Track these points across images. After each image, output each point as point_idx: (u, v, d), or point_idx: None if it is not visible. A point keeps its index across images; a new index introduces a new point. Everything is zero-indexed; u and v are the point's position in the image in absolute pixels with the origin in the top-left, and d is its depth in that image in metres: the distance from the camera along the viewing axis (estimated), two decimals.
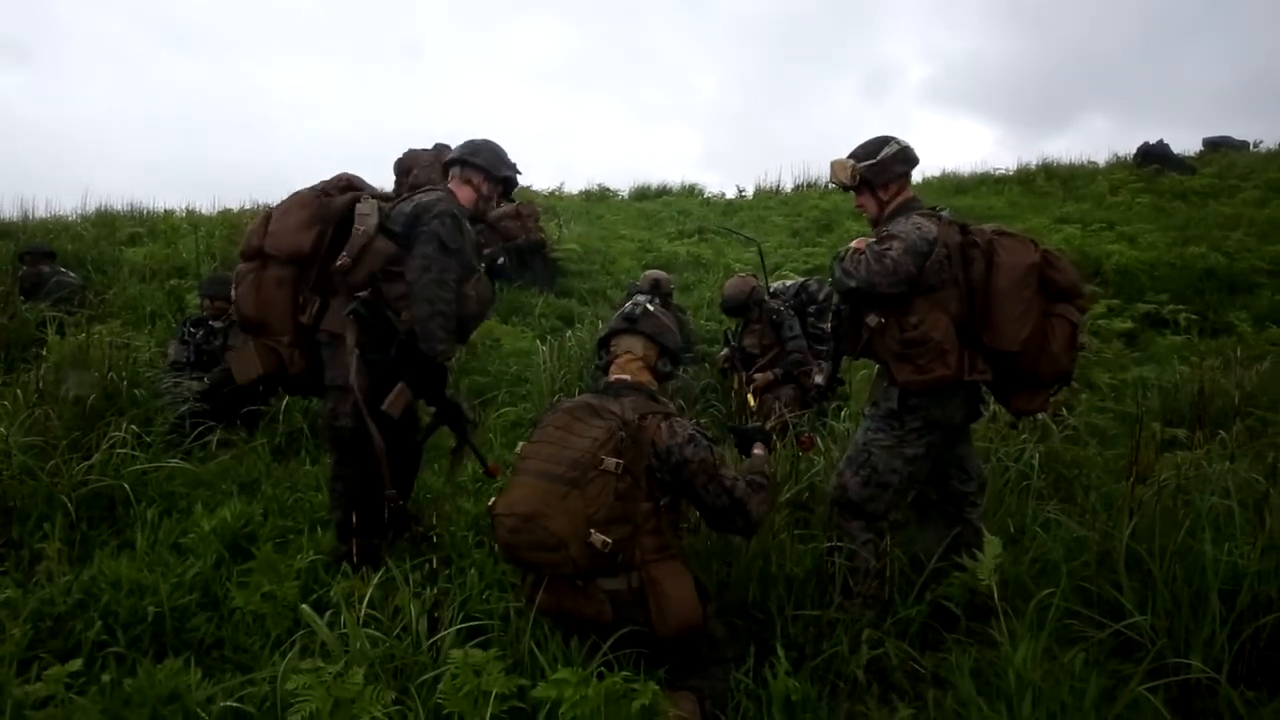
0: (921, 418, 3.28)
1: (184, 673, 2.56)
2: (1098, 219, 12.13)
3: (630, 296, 7.50)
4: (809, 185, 17.56)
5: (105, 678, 2.51)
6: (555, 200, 15.68)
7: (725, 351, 6.40)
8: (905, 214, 3.35)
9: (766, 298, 6.27)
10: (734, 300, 6.33)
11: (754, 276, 6.54)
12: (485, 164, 3.77)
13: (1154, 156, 15.63)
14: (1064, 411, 5.36)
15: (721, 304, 6.55)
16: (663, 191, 17.79)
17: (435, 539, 3.66)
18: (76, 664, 2.43)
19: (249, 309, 3.53)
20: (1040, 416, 4.96)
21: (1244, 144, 17.30)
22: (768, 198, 17.08)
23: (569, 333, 6.83)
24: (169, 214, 11.13)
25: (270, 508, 3.90)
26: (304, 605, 2.75)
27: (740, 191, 17.98)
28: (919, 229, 3.23)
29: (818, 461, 4.10)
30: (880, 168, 3.37)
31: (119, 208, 11.58)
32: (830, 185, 3.74)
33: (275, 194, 11.79)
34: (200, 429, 4.79)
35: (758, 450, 3.23)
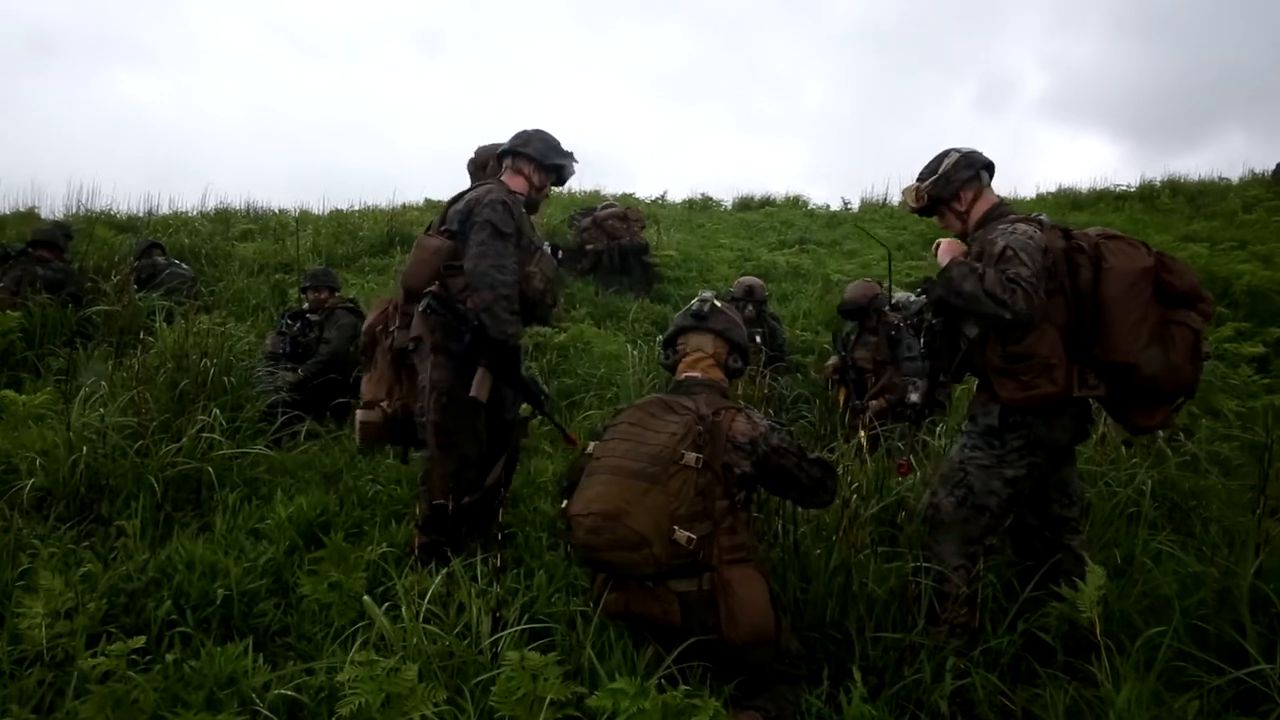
0: (1024, 436, 3.04)
1: (244, 658, 2.55)
2: (1228, 237, 11.39)
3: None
4: None
5: (169, 657, 2.51)
6: (658, 208, 15.66)
7: (834, 361, 6.12)
8: (996, 220, 3.12)
9: (887, 309, 5.97)
10: (854, 303, 6.07)
11: (879, 283, 6.28)
12: (536, 153, 3.80)
13: None
14: (1181, 437, 4.97)
15: (840, 305, 6.29)
16: (766, 202, 17.62)
17: (503, 535, 3.59)
18: (139, 641, 2.43)
19: None
20: (1159, 438, 4.63)
21: None
22: (873, 210, 16.72)
23: (659, 337, 6.71)
24: (282, 213, 11.52)
25: (348, 498, 3.91)
26: (367, 598, 2.71)
27: (846, 203, 17.63)
28: (1030, 237, 2.98)
29: (909, 479, 3.88)
30: (944, 181, 3.21)
31: (236, 206, 12.08)
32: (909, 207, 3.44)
33: (386, 196, 12.13)
34: (287, 418, 4.86)
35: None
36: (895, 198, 17.31)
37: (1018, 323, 2.88)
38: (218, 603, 2.95)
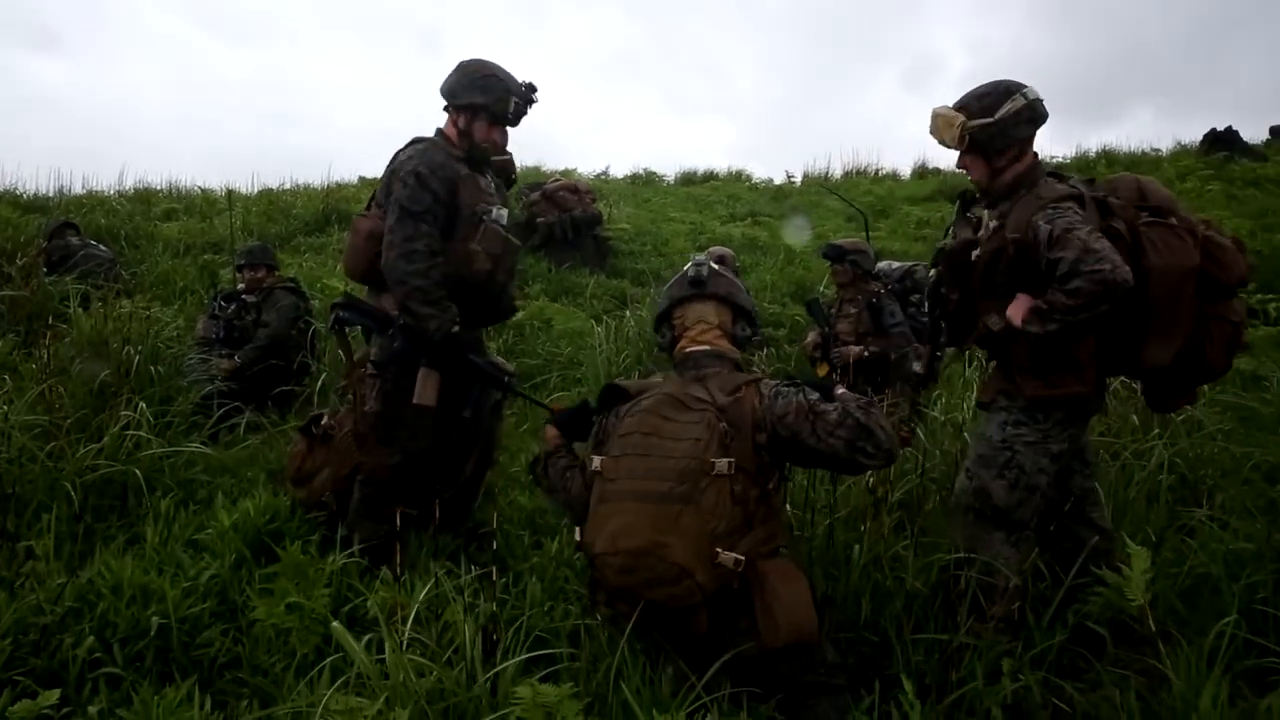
0: (1065, 407, 2.75)
1: (187, 705, 2.09)
2: None
3: None
4: (859, 172, 17.22)
5: (94, 708, 2.05)
6: (602, 183, 15.22)
7: (814, 335, 5.68)
8: (1029, 187, 2.73)
9: (869, 278, 5.58)
10: (837, 249, 5.59)
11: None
12: (446, 93, 3.27)
13: (1222, 142, 14.80)
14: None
15: (822, 250, 5.84)
16: (710, 176, 17.35)
17: (481, 535, 3.18)
18: (53, 696, 1.96)
19: None
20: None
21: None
22: (818, 183, 16.58)
23: (626, 313, 6.31)
24: (207, 192, 10.78)
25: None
26: (336, 623, 2.26)
27: (789, 177, 17.47)
28: (1092, 231, 2.56)
29: (912, 456, 3.55)
30: (998, 131, 2.70)
31: (158, 185, 11.28)
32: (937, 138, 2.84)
33: (316, 175, 11.42)
34: (225, 410, 4.34)
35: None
36: (837, 172, 17.32)
37: (1117, 296, 2.49)
38: (152, 633, 2.45)
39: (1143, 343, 2.66)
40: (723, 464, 2.22)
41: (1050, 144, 20.37)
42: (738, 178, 17.23)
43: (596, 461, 2.40)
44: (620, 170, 16.90)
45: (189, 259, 7.70)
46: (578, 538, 2.42)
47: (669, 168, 17.13)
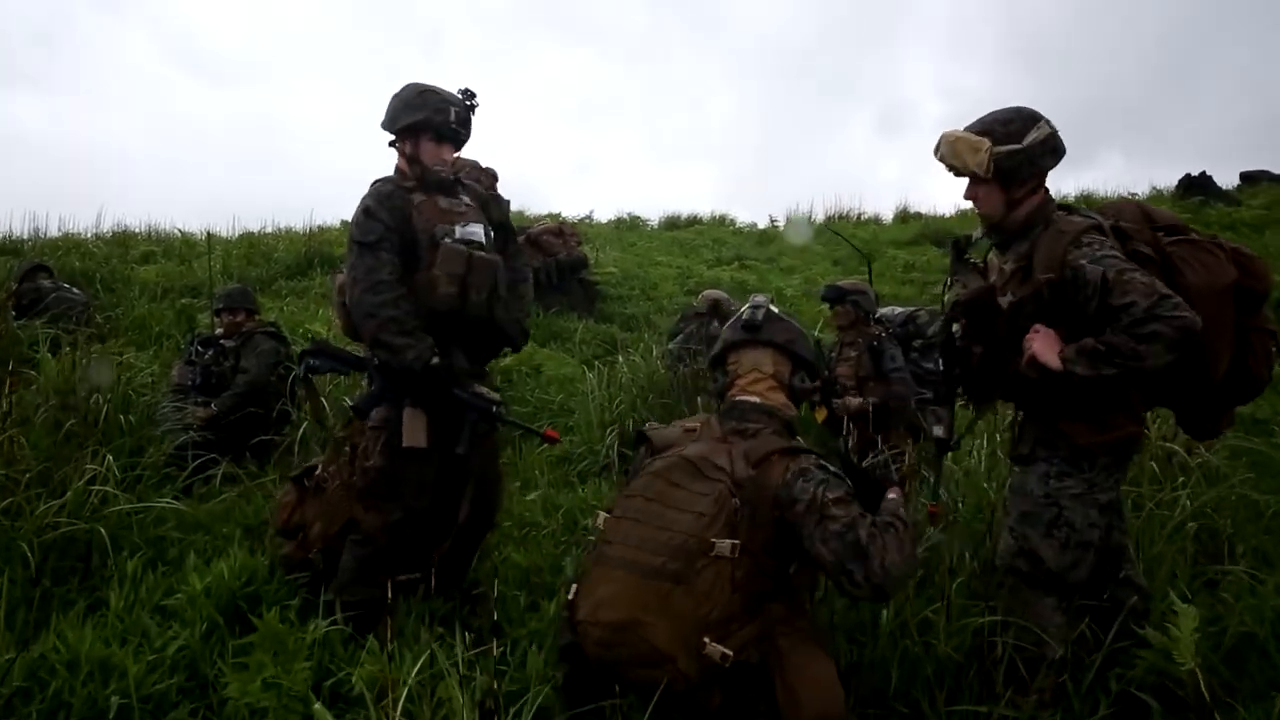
0: (1111, 451, 2.54)
1: None
2: None
3: (684, 320, 6.84)
4: (841, 217, 17.32)
5: None
6: (586, 227, 15.15)
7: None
8: (1044, 223, 2.55)
9: (871, 322, 5.43)
10: (838, 290, 5.41)
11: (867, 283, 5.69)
12: (387, 124, 3.09)
13: (1197, 187, 15.01)
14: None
15: (823, 292, 5.65)
16: (693, 221, 17.37)
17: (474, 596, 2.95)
18: None
19: None
20: (1178, 452, 4.22)
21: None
22: (823, 226, 16.62)
23: (619, 359, 6.12)
24: (186, 235, 10.56)
25: (279, 559, 3.17)
26: (318, 705, 2.02)
27: (773, 221, 17.51)
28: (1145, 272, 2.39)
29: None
30: (1025, 159, 2.50)
31: (136, 228, 11.05)
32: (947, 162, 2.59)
33: (298, 218, 11.20)
34: (200, 461, 4.09)
35: (891, 495, 2.34)
36: (820, 216, 17.36)
37: (1188, 348, 2.30)
38: (111, 716, 2.20)
39: (1208, 365, 2.46)
40: (724, 545, 2.00)
41: None
42: (721, 222, 17.26)
43: (600, 518, 2.20)
44: (604, 215, 16.87)
45: (166, 303, 7.48)
46: (569, 596, 2.20)
47: (652, 212, 17.18)
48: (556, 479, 4.69)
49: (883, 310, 5.65)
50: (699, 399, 5.31)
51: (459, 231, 3.02)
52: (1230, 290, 2.46)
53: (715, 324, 6.28)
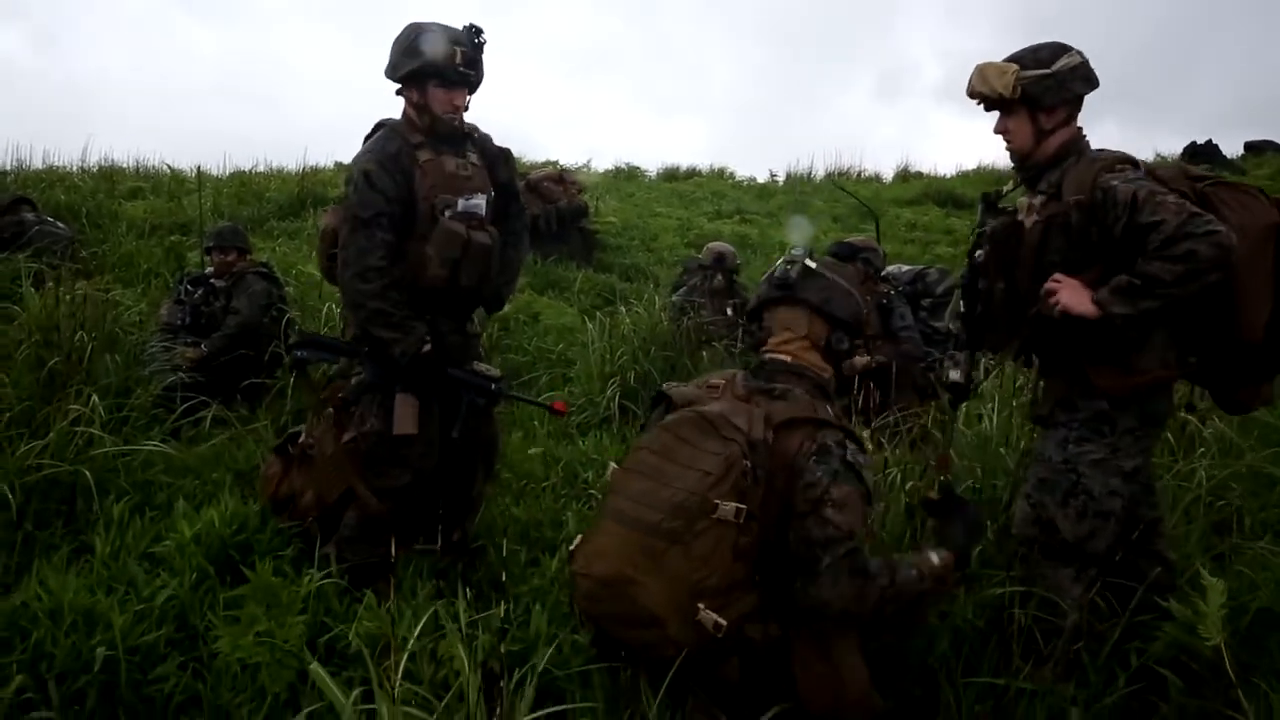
0: (1136, 415, 2.43)
1: None
2: None
3: (687, 273, 6.70)
4: (841, 174, 17.09)
5: None
6: (583, 176, 14.90)
7: None
8: (1076, 155, 2.48)
9: (878, 280, 5.31)
10: (849, 247, 5.27)
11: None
12: (390, 71, 2.87)
13: (1203, 155, 14.78)
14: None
15: (831, 248, 5.51)
16: (692, 173, 17.10)
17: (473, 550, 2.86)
18: None
19: None
20: (1190, 421, 4.12)
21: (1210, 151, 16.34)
22: (802, 183, 16.41)
23: (621, 309, 5.97)
24: (176, 172, 10.29)
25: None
26: (314, 664, 1.91)
27: (773, 175, 17.27)
28: (1141, 182, 2.32)
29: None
30: (1054, 83, 2.43)
31: (123, 163, 10.77)
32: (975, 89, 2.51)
33: (291, 158, 10.95)
34: (189, 404, 3.96)
35: (933, 557, 2.12)
36: (820, 173, 17.14)
37: (1228, 263, 2.20)
38: (96, 668, 2.09)
39: (1236, 317, 2.34)
40: (728, 509, 1.86)
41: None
42: (720, 175, 17.00)
43: (611, 469, 2.08)
44: (601, 164, 16.59)
45: (154, 240, 7.25)
46: (572, 547, 2.09)
47: (650, 163, 16.87)
48: (556, 430, 4.58)
49: (889, 268, 5.52)
50: (703, 353, 5.20)
51: (461, 204, 2.84)
52: (1272, 233, 2.34)
53: (719, 278, 6.15)
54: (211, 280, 5.01)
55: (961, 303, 2.79)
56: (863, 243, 5.39)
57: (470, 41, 2.80)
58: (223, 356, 4.62)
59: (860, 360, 5.04)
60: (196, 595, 2.47)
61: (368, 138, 2.95)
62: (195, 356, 4.58)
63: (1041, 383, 2.72)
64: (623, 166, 16.77)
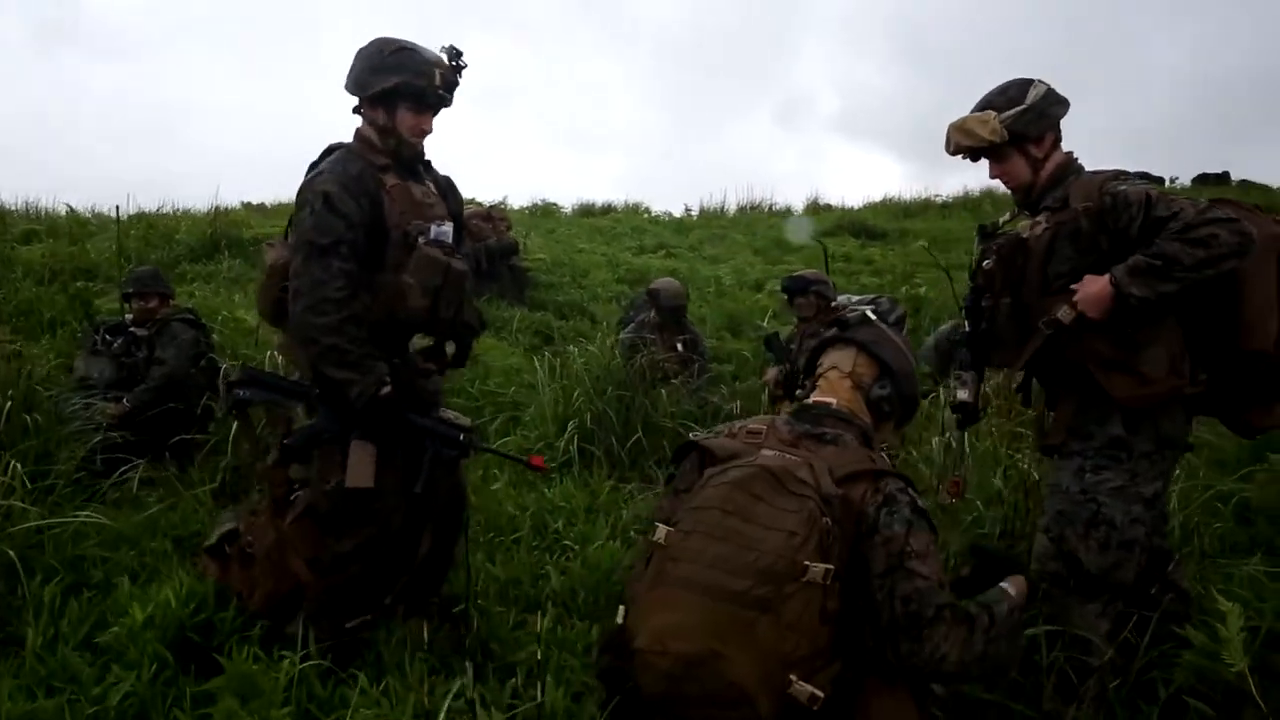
0: (1152, 438, 2.37)
1: None
2: None
3: (635, 308, 6.55)
4: (753, 207, 17.41)
5: None
6: (502, 213, 14.68)
7: (774, 373, 5.24)
8: (1075, 173, 2.49)
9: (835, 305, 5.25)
10: (801, 280, 5.25)
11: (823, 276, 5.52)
12: (352, 86, 2.65)
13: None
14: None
15: (784, 282, 5.45)
16: (608, 209, 17.10)
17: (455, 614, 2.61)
18: None
19: None
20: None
21: (1160, 179, 17.30)
22: (716, 218, 16.63)
23: (573, 349, 5.75)
24: (76, 213, 9.67)
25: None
26: None
27: (688, 210, 17.44)
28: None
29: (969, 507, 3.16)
30: (1033, 115, 2.46)
31: (11, 204, 10.06)
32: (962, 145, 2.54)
33: (193, 199, 10.38)
34: (121, 467, 3.59)
35: (1006, 585, 2.04)
36: (732, 207, 17.37)
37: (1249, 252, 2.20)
38: None
39: (1239, 325, 2.33)
40: (817, 570, 1.72)
41: (906, 186, 21.38)
42: (636, 210, 17.03)
43: (661, 532, 1.87)
44: (516, 201, 16.42)
45: (55, 287, 6.75)
46: (619, 619, 1.89)
47: (563, 199, 16.83)
48: (515, 477, 4.33)
49: (839, 299, 5.46)
50: (661, 391, 5.03)
51: (433, 231, 2.61)
52: (1276, 244, 2.33)
53: (652, 314, 6.03)
54: (132, 329, 4.63)
55: (966, 323, 2.73)
56: (814, 275, 5.34)
57: (450, 67, 2.61)
58: (149, 411, 4.24)
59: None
60: (157, 689, 2.16)
61: (315, 164, 2.70)
62: (118, 413, 4.19)
63: (1050, 413, 2.66)
64: (539, 203, 16.65)
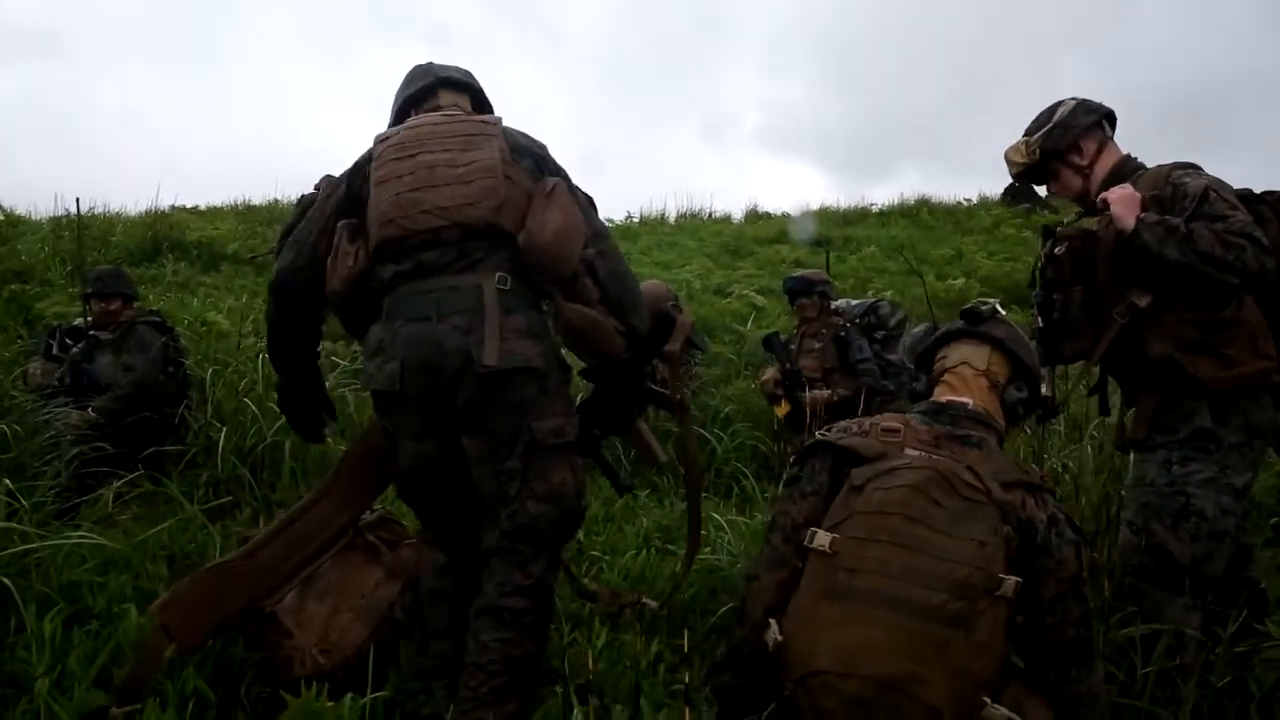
0: (1241, 427, 2.33)
1: None
2: (1000, 251, 11.90)
3: None
4: (693, 215, 17.39)
5: None
6: None
7: (772, 373, 5.14)
8: (1132, 170, 2.52)
9: (831, 310, 5.17)
10: (805, 281, 5.17)
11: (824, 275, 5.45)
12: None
13: (1022, 195, 15.99)
14: None
15: (787, 283, 5.34)
16: None
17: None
18: None
19: None
20: None
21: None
22: (658, 225, 16.56)
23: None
24: (8, 214, 9.03)
25: None
26: None
27: (629, 217, 17.33)
28: (1216, 180, 2.36)
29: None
30: (1060, 130, 2.57)
31: None
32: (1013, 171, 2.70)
33: (115, 200, 9.79)
34: (95, 481, 3.25)
35: None
36: (672, 214, 17.32)
37: (1246, 285, 2.24)
38: None
39: None
40: (1010, 584, 1.60)
41: (830, 197, 21.89)
42: None
43: (824, 538, 1.69)
44: None
45: None
46: (776, 636, 1.69)
47: None
48: None
49: (837, 301, 5.38)
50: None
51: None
52: None
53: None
54: (93, 332, 4.26)
55: (1038, 319, 2.66)
56: (817, 276, 5.25)
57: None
58: (118, 421, 3.89)
59: (821, 394, 4.87)
60: None
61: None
62: (81, 423, 3.83)
63: (1130, 410, 2.59)
64: None
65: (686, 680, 2.04)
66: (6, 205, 9.51)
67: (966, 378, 1.99)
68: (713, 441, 4.98)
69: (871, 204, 16.99)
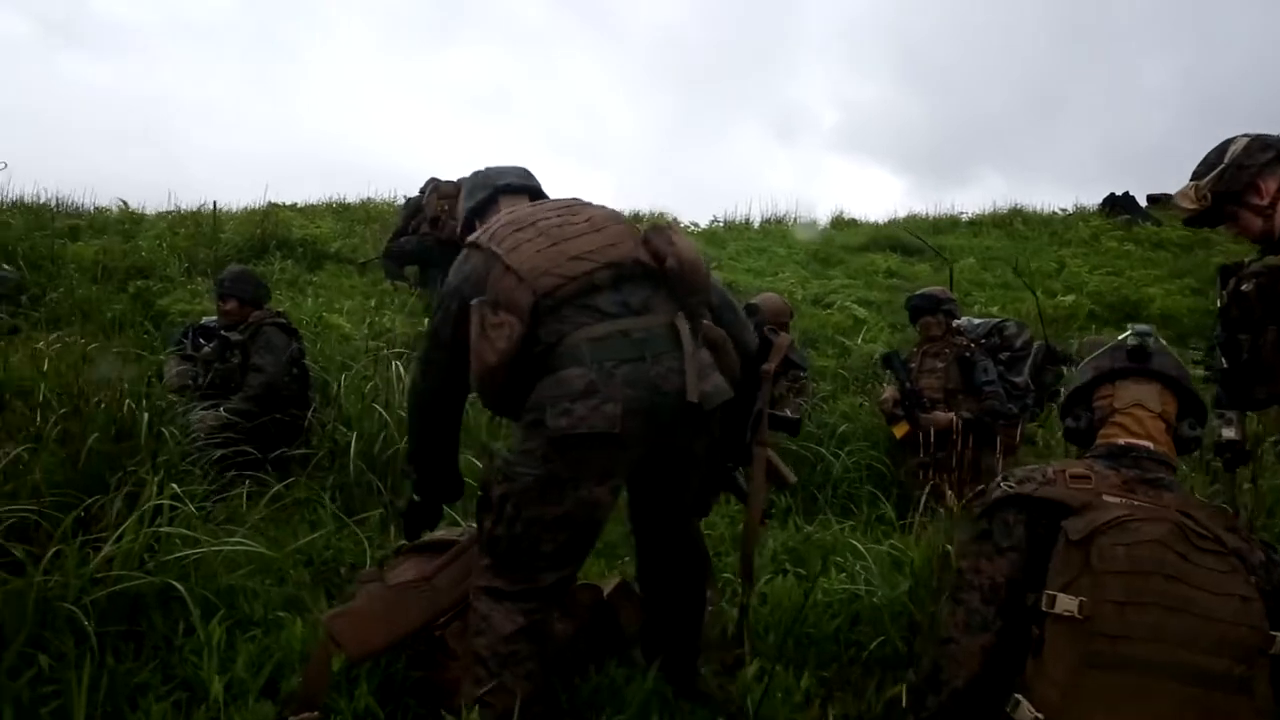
0: None
1: None
2: (1102, 265, 11.45)
3: None
4: (778, 221, 17.14)
5: None
6: None
7: (891, 392, 4.98)
8: None
9: (952, 330, 5.03)
10: (931, 298, 5.05)
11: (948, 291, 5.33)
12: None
13: (1121, 206, 15.41)
14: None
15: (912, 299, 5.24)
16: (636, 217, 16.78)
17: None
18: None
19: None
20: None
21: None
22: (743, 230, 16.39)
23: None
24: (129, 210, 9.35)
25: None
26: None
27: (714, 220, 17.20)
28: None
29: None
30: (1233, 171, 2.36)
31: (44, 198, 9.72)
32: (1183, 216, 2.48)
33: (205, 198, 10.02)
34: (281, 486, 3.31)
35: None
36: (756, 220, 17.13)
37: None
38: None
39: None
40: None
41: (906, 203, 21.31)
42: (659, 218, 16.78)
43: (1070, 601, 1.58)
44: None
45: (112, 285, 6.46)
46: (1035, 714, 1.57)
47: None
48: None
49: (959, 320, 5.21)
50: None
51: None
52: None
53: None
54: (223, 332, 4.35)
55: (1223, 360, 2.51)
56: (942, 293, 5.10)
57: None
58: (255, 420, 3.95)
59: (942, 416, 4.71)
60: None
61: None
62: (215, 423, 3.90)
63: None
64: None
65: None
66: (110, 201, 9.85)
67: (1143, 419, 1.89)
68: (829, 459, 4.87)
69: (960, 212, 16.64)
